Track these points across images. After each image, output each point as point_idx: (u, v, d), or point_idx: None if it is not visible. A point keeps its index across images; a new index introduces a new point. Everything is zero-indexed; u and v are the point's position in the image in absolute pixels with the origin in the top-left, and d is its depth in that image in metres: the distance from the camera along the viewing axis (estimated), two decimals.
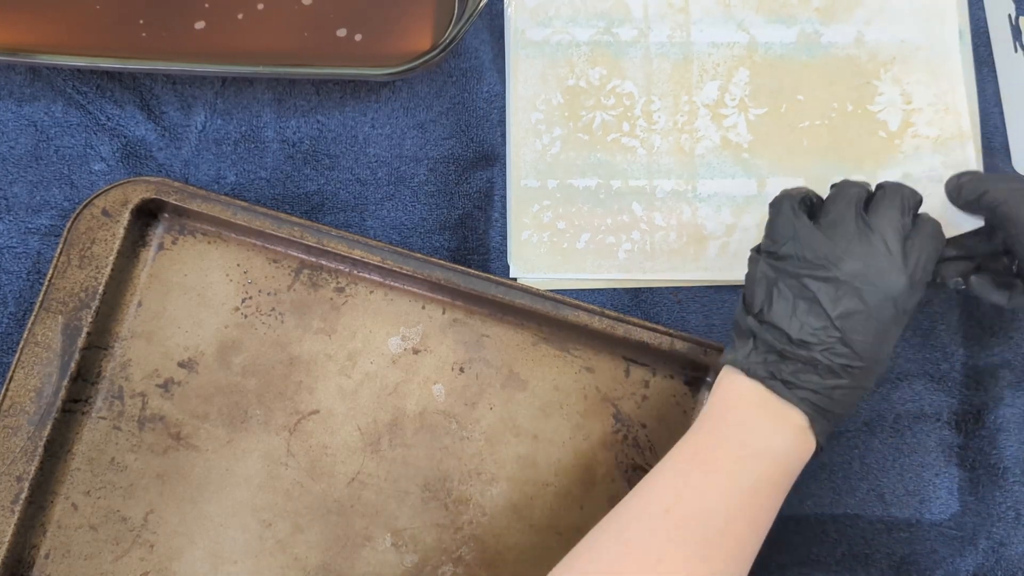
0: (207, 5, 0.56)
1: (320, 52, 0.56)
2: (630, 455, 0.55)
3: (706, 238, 0.57)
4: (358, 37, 0.56)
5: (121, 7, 0.56)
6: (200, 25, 0.56)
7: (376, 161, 0.58)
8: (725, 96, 0.58)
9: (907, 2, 0.59)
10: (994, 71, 0.59)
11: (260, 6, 0.56)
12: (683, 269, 0.56)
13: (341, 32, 0.56)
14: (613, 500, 0.54)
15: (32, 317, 0.53)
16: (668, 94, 0.58)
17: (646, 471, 0.54)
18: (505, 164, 0.58)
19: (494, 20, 0.59)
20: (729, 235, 0.57)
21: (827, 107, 0.58)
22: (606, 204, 0.57)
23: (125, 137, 0.57)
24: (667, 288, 0.57)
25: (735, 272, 0.57)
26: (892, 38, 0.59)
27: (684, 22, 0.58)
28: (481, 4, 0.53)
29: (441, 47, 0.53)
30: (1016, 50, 0.59)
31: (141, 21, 0.56)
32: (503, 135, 0.58)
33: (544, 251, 0.56)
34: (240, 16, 0.56)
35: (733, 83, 0.58)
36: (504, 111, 0.58)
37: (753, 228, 0.57)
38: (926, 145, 0.57)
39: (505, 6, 0.59)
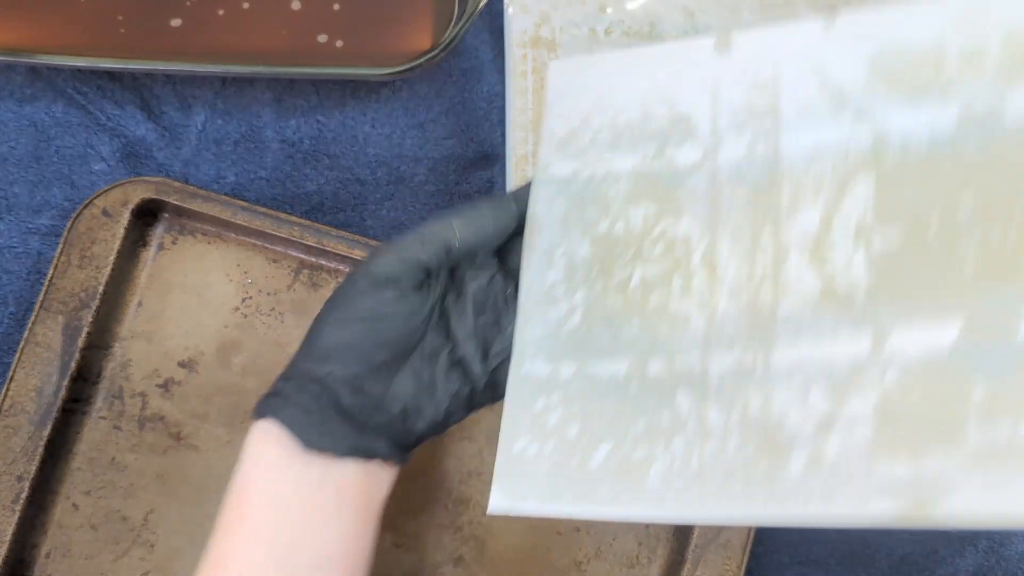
0: (188, 3, 0.56)
1: (299, 55, 0.56)
2: None
3: (785, 445, 0.34)
4: (339, 43, 0.56)
5: (102, 3, 0.56)
6: (176, 23, 0.56)
7: (376, 161, 0.58)
8: (833, 224, 0.36)
9: None
10: None
11: (245, 5, 0.56)
12: (748, 499, 0.35)
13: (322, 38, 0.56)
14: None
15: (32, 317, 0.53)
16: (743, 232, 0.38)
17: None
18: (505, 164, 0.58)
19: (494, 20, 0.59)
20: (824, 435, 0.34)
21: (1011, 215, 0.33)
22: (638, 399, 0.38)
23: (125, 137, 0.57)
24: None
25: (835, 505, 0.33)
26: None
27: (772, 127, 0.38)
28: (481, 4, 0.53)
29: (441, 47, 0.53)
30: None
31: (120, 17, 0.56)
32: (503, 135, 0.58)
33: (544, 470, 0.39)
34: (221, 12, 0.56)
35: (846, 204, 0.36)
36: (504, 111, 0.58)
37: (866, 419, 0.33)
38: None
39: (505, 6, 0.59)
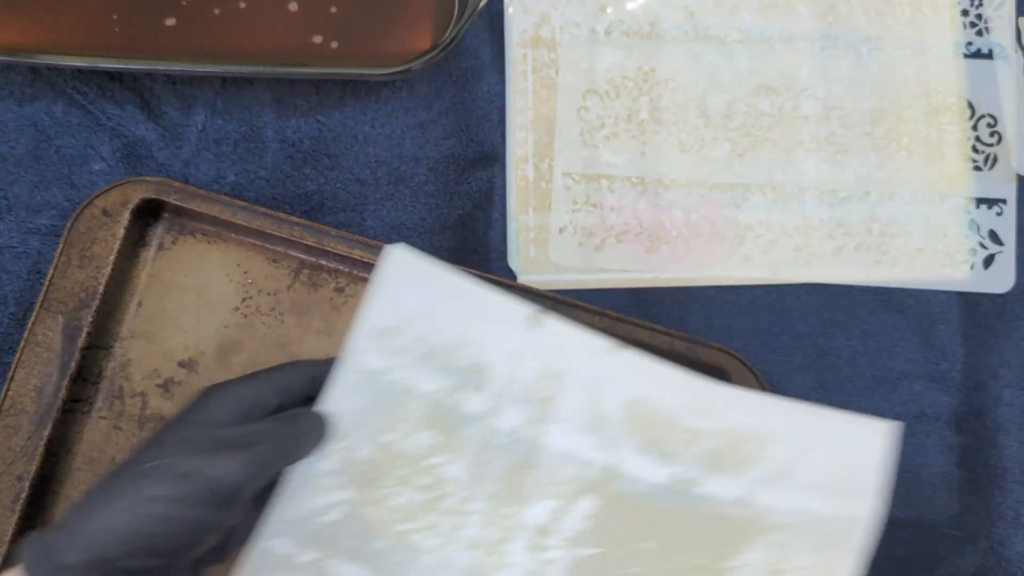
0: (184, 3, 0.56)
1: (295, 56, 0.56)
2: None
3: None
4: (334, 44, 0.56)
5: (97, 1, 0.56)
6: (171, 22, 0.56)
7: (376, 161, 0.58)
8: (556, 525, 0.44)
9: (821, 476, 0.45)
10: (994, 69, 0.59)
11: (242, 5, 0.56)
12: None
13: (318, 39, 0.56)
14: None
15: (32, 317, 0.53)
16: (492, 497, 0.44)
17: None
18: (505, 163, 0.58)
19: (494, 20, 0.59)
20: None
21: (670, 561, 0.45)
22: None
23: (125, 137, 0.57)
24: (667, 288, 0.57)
25: None
26: (788, 506, 0.45)
27: (543, 417, 0.45)
28: (481, 4, 0.53)
29: (441, 47, 0.53)
30: (1017, 50, 0.59)
31: (115, 16, 0.56)
32: (503, 135, 0.58)
33: None
34: (217, 12, 0.56)
35: (572, 512, 0.44)
36: (504, 111, 0.58)
37: None
38: None
39: (505, 6, 0.59)
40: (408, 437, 0.44)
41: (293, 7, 0.56)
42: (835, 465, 0.45)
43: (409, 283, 0.45)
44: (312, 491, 0.43)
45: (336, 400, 0.43)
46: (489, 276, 0.54)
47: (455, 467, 0.44)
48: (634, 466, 0.45)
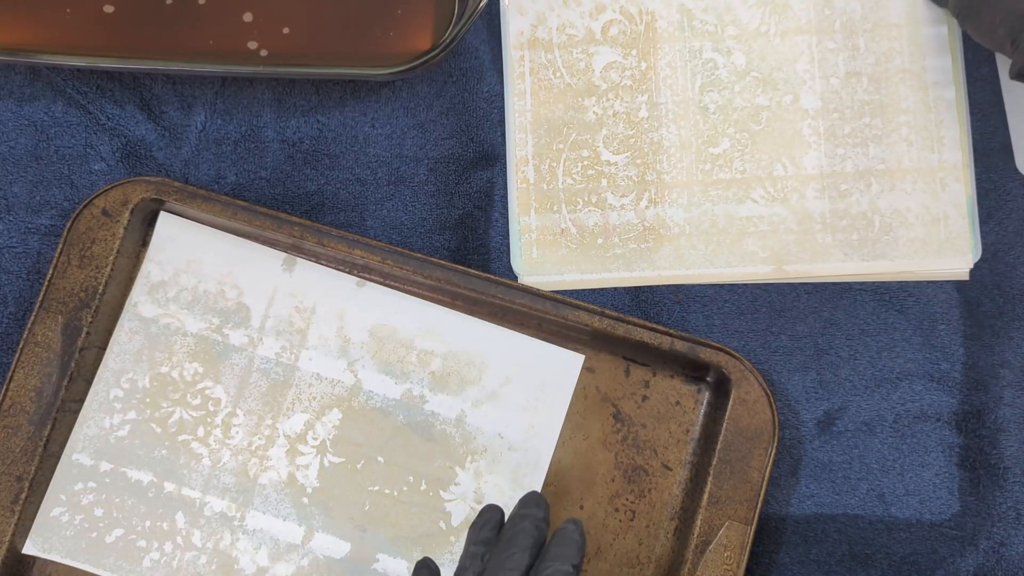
0: None
1: (230, 55, 0.56)
2: (630, 455, 0.55)
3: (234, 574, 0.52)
4: (264, 53, 0.55)
5: None
6: (109, 9, 0.55)
7: (376, 161, 0.58)
8: (309, 432, 0.54)
9: (523, 398, 0.54)
10: (994, 69, 0.59)
11: (201, 1, 0.55)
12: None
13: (252, 45, 0.55)
14: (613, 500, 0.54)
15: (32, 317, 0.53)
16: (254, 412, 0.54)
17: (646, 471, 0.55)
18: (505, 164, 0.58)
19: (494, 20, 0.59)
20: None
21: (403, 478, 0.53)
22: (151, 505, 0.52)
23: (125, 137, 0.57)
24: (667, 287, 0.57)
25: None
26: (492, 430, 0.54)
27: (297, 344, 0.54)
28: (481, 4, 0.53)
29: (441, 47, 0.53)
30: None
31: None
32: (503, 135, 0.58)
33: (71, 535, 0.52)
34: (169, 1, 0.55)
35: (322, 422, 0.54)
36: (504, 111, 0.58)
37: None
38: None
39: (502, 7, 0.59)
40: (178, 368, 0.54)
41: (247, 18, 0.56)
42: (534, 388, 0.54)
43: (177, 245, 0.55)
44: (105, 412, 0.53)
45: (120, 340, 0.54)
46: (490, 276, 0.54)
47: (219, 390, 0.54)
48: (374, 383, 0.54)
